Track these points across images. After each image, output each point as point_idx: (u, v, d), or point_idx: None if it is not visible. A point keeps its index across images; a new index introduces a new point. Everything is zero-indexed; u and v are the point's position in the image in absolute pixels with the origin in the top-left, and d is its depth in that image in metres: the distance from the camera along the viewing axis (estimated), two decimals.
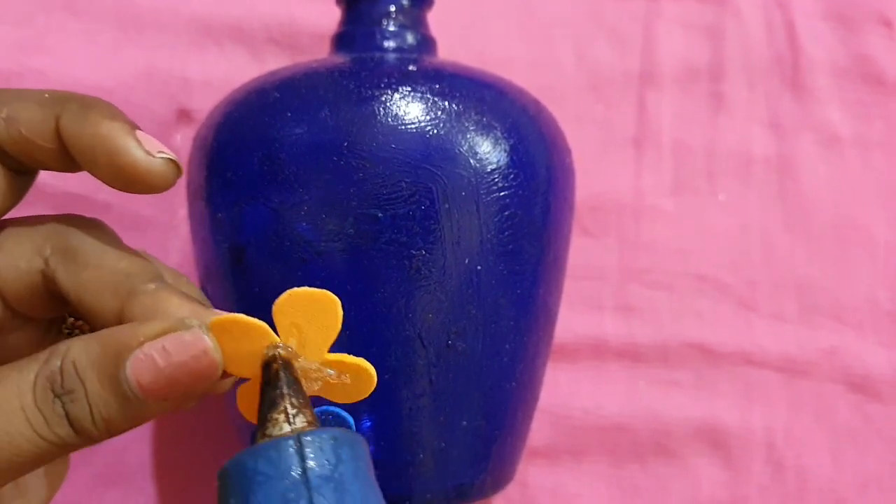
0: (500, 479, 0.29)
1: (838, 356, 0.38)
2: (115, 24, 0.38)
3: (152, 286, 0.21)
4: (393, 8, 0.30)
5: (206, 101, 0.37)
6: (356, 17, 0.30)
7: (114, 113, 0.21)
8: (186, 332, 0.19)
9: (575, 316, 0.37)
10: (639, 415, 0.37)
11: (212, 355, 0.19)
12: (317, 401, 0.25)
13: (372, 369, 0.21)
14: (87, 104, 0.21)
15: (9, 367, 0.19)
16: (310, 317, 0.20)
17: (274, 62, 0.38)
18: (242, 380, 0.21)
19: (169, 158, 0.21)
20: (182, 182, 0.35)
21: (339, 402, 0.22)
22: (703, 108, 0.40)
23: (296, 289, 0.20)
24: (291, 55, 0.38)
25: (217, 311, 0.21)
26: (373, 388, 0.21)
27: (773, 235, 0.39)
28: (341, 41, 0.31)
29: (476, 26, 0.40)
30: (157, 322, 0.19)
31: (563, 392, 0.37)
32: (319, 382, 0.21)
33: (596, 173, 0.38)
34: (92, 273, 0.21)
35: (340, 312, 0.20)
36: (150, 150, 0.20)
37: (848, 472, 0.38)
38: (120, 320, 0.20)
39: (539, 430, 0.37)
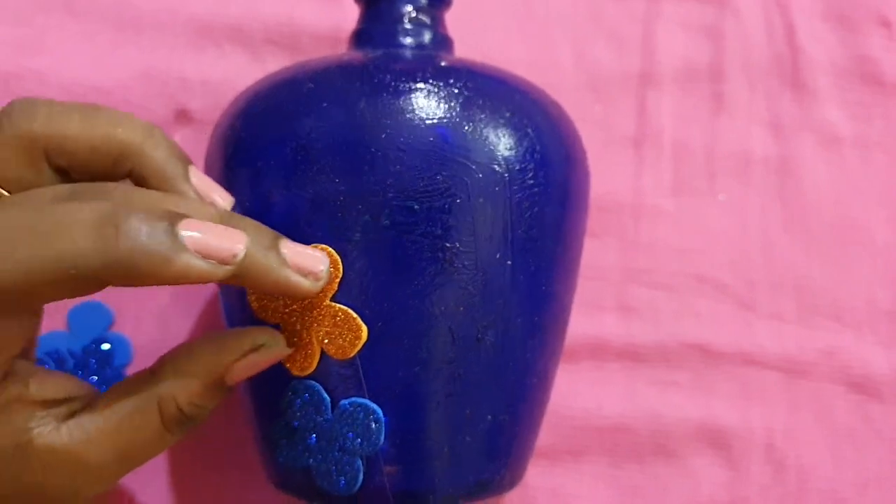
0: (516, 475, 0.30)
1: (838, 356, 0.38)
2: (113, 25, 0.38)
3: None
4: (411, 7, 0.30)
5: (206, 102, 0.37)
6: (375, 15, 0.31)
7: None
8: (269, 350, 0.24)
9: (575, 316, 0.37)
10: (638, 415, 0.37)
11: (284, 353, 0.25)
12: (345, 392, 0.25)
13: (364, 333, 0.25)
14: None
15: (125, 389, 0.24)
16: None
17: (273, 63, 0.38)
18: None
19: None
20: None
21: (334, 355, 0.25)
22: (703, 108, 0.40)
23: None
24: (291, 56, 0.38)
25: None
26: (362, 342, 0.25)
27: (772, 235, 0.39)
28: (359, 39, 0.31)
29: (476, 25, 0.40)
30: (248, 338, 0.24)
31: (563, 392, 0.37)
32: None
33: (596, 173, 0.38)
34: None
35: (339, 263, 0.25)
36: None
37: (848, 471, 0.38)
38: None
39: (541, 430, 0.37)
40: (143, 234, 0.20)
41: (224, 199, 0.26)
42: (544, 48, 0.40)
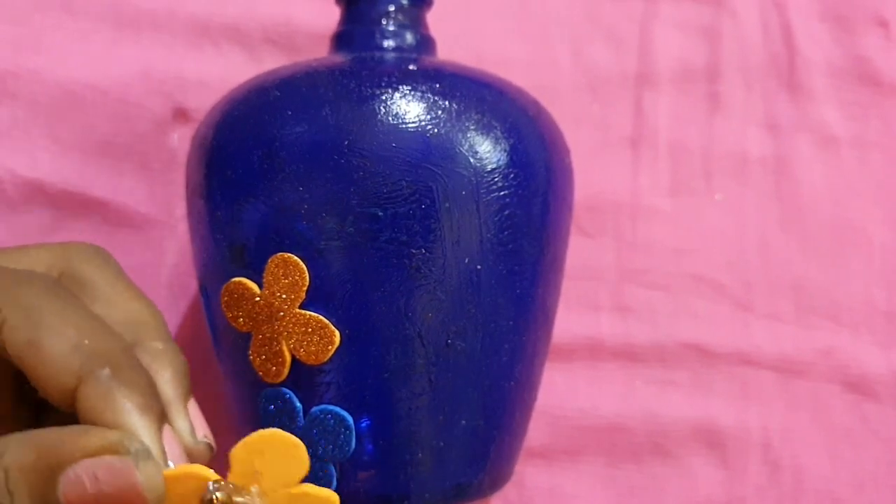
0: (498, 478, 0.30)
1: (834, 356, 0.38)
2: (111, 24, 0.37)
3: (106, 375, 0.19)
4: (392, 7, 0.30)
5: (203, 101, 0.37)
6: (355, 16, 0.30)
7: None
8: (118, 460, 0.18)
9: (571, 316, 0.38)
10: (635, 415, 0.37)
11: (142, 494, 0.18)
12: (317, 399, 0.25)
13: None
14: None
15: None
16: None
17: (271, 62, 0.38)
18: None
19: (208, 444, 0.21)
20: (180, 180, 0.35)
21: (306, 361, 0.24)
22: (700, 108, 0.40)
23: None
24: (288, 55, 0.38)
25: (168, 428, 0.20)
26: (335, 346, 0.24)
27: (769, 235, 0.39)
28: (340, 40, 0.31)
29: (472, 26, 0.40)
30: (97, 436, 0.18)
31: (559, 392, 0.37)
32: None
33: (592, 173, 0.38)
34: (101, 310, 0.21)
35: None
36: (192, 434, 0.20)
37: (844, 471, 0.38)
38: (69, 393, 0.19)
39: (535, 430, 0.37)
40: None
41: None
42: (541, 48, 0.40)
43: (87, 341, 0.19)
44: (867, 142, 0.41)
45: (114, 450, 0.18)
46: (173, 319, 0.37)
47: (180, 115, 0.37)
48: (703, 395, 0.38)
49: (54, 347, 0.19)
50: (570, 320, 0.37)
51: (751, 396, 0.38)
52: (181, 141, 0.37)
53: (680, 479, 0.37)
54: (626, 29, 0.41)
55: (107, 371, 0.19)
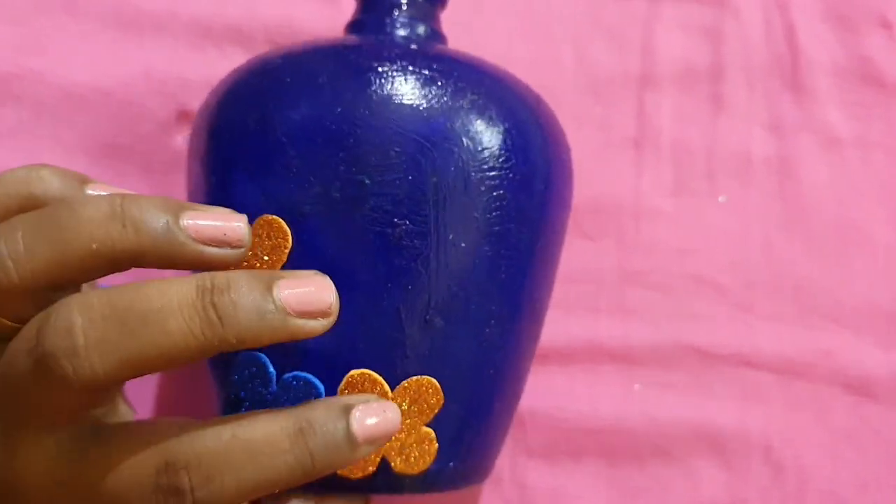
0: (470, 470, 0.29)
1: (835, 358, 0.38)
2: (114, 25, 0.38)
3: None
4: (405, 0, 0.30)
5: None
6: (369, 5, 0.31)
7: None
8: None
9: (571, 318, 0.37)
10: (635, 417, 0.37)
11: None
12: (291, 366, 0.25)
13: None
14: None
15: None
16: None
17: None
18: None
19: None
20: (183, 181, 0.35)
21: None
22: (703, 109, 0.40)
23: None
24: None
25: None
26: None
27: (772, 237, 0.39)
28: (352, 28, 0.31)
29: (475, 25, 0.40)
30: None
31: (558, 394, 0.37)
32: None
33: (595, 175, 0.38)
34: None
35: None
36: None
37: (847, 472, 0.38)
38: None
39: (535, 431, 0.37)
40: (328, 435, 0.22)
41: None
42: (544, 49, 0.40)
43: None
44: (871, 142, 0.40)
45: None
46: None
47: (183, 116, 0.37)
48: (703, 397, 0.37)
49: None
50: (570, 323, 0.37)
51: (751, 398, 0.38)
52: (185, 143, 0.37)
53: (683, 481, 0.37)
54: (628, 29, 0.41)
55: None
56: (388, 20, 0.30)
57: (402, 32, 0.30)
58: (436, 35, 0.31)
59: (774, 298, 0.39)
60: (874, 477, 0.38)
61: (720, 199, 0.40)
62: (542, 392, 0.36)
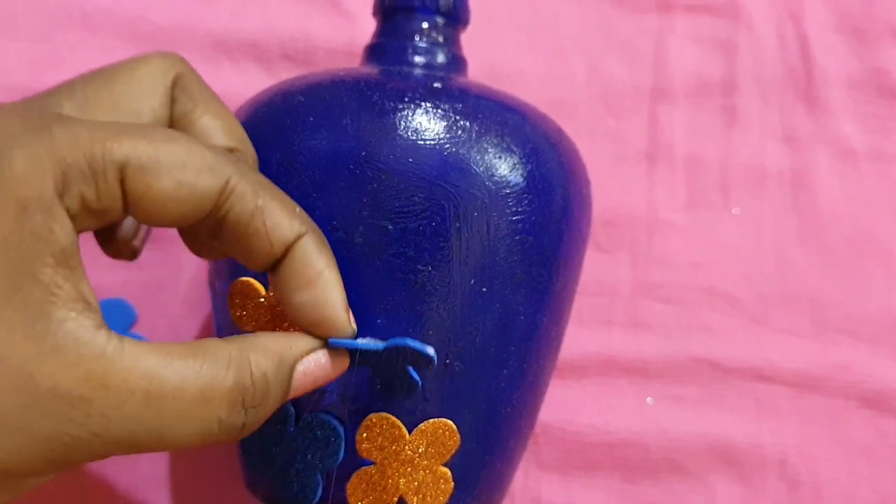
0: (485, 503, 0.29)
1: (851, 371, 0.38)
2: (130, 41, 0.38)
3: (314, 240, 0.22)
4: (426, 24, 0.30)
5: None
6: (390, 30, 0.30)
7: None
8: (335, 355, 0.23)
9: (584, 332, 0.37)
10: (649, 430, 0.37)
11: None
12: (310, 406, 0.25)
13: None
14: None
15: (196, 358, 0.20)
16: None
17: (288, 77, 0.38)
18: None
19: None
20: None
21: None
22: (717, 122, 0.40)
23: None
24: (305, 71, 0.38)
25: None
26: None
27: (786, 249, 0.39)
28: (373, 53, 0.31)
29: (488, 40, 0.40)
30: (311, 340, 0.22)
31: (571, 408, 0.37)
32: None
33: (608, 188, 0.38)
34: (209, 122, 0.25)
35: None
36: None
37: (864, 487, 0.37)
38: (274, 256, 0.22)
39: (549, 445, 0.36)
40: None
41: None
42: (557, 63, 0.40)
43: (297, 209, 0.22)
44: (886, 154, 0.40)
45: (322, 348, 0.23)
46: (189, 331, 0.37)
47: None
48: (717, 411, 0.37)
49: (277, 212, 0.22)
50: (582, 336, 0.37)
51: (766, 412, 0.37)
52: None
53: (697, 496, 0.37)
54: (641, 43, 0.41)
55: (314, 236, 0.22)
56: (409, 46, 0.29)
57: (422, 60, 0.29)
58: (457, 61, 0.30)
59: (789, 311, 0.39)
60: (892, 492, 0.37)
61: (734, 211, 0.40)
62: (556, 406, 0.36)
